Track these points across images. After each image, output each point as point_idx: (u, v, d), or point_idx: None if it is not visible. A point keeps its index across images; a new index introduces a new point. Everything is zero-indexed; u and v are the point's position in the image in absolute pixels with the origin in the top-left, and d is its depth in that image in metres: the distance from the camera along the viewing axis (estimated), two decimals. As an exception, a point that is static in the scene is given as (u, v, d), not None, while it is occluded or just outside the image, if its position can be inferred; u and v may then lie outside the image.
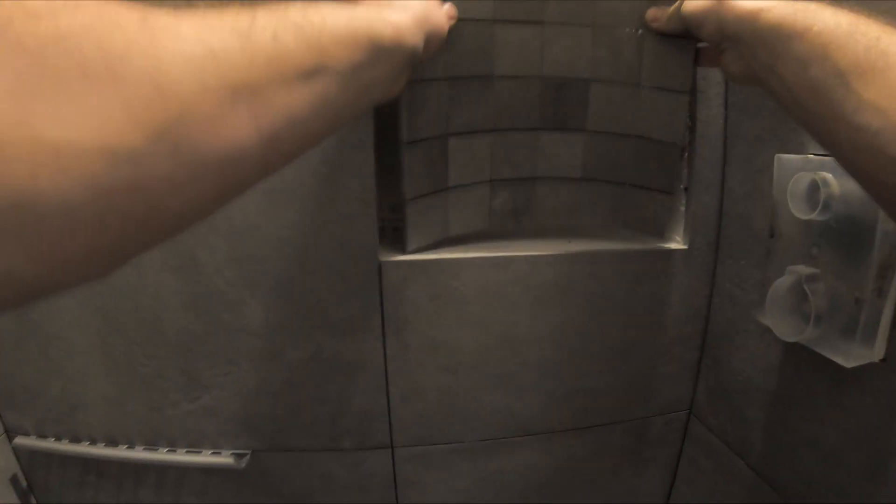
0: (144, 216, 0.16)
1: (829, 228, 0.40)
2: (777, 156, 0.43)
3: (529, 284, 0.51)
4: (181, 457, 0.53)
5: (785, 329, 0.42)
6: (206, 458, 0.53)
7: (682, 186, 0.53)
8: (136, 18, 0.16)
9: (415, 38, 0.29)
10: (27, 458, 0.56)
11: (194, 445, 0.54)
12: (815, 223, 0.40)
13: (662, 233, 0.50)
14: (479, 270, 0.50)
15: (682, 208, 0.54)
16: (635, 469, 0.61)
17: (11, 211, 0.12)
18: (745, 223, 0.50)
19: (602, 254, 0.52)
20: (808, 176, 0.40)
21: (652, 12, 0.43)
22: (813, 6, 0.27)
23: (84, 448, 0.54)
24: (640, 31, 0.44)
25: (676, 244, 0.54)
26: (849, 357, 0.38)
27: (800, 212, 0.40)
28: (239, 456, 0.53)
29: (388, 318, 0.50)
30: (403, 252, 0.49)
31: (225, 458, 0.53)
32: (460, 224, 0.50)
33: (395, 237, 0.52)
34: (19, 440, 0.55)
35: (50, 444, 0.54)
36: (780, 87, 0.29)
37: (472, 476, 0.58)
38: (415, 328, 0.51)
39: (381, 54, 0.26)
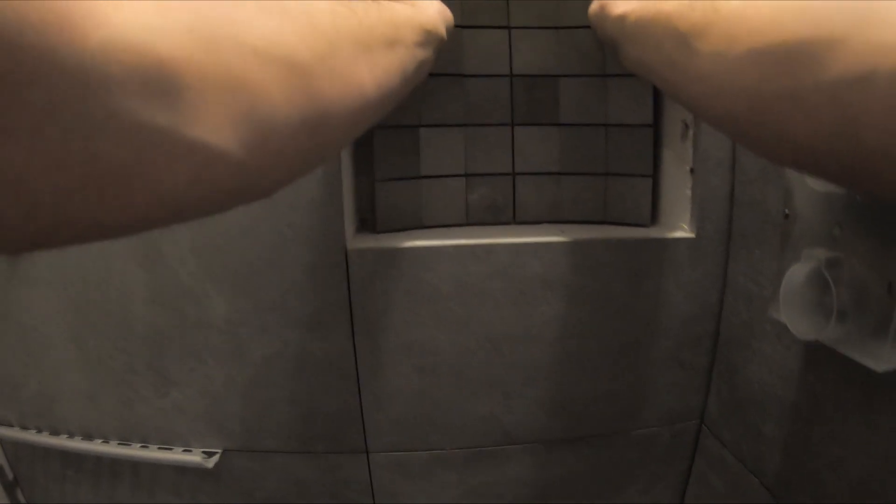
0: (314, 129, 0.18)
1: (852, 203, 0.33)
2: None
3: (513, 277, 0.46)
4: (153, 453, 0.52)
5: (802, 325, 0.35)
6: (177, 455, 0.51)
7: (688, 168, 0.47)
8: None
9: (442, 27, 0.35)
10: (12, 451, 0.57)
11: (166, 442, 0.52)
12: (836, 197, 0.34)
13: (648, 219, 0.48)
14: (456, 261, 0.46)
15: (689, 192, 0.47)
16: (640, 486, 0.54)
17: (226, 94, 0.14)
18: (759, 207, 0.43)
19: (595, 243, 0.46)
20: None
21: None
22: None
23: (62, 441, 0.53)
24: None
25: (683, 232, 0.47)
26: (880, 358, 0.31)
27: (816, 182, 0.34)
28: (208, 455, 0.51)
29: (356, 313, 0.46)
30: (374, 231, 0.47)
31: (194, 457, 0.51)
32: (434, 215, 0.49)
33: (373, 225, 0.50)
34: (3, 431, 0.55)
35: (31, 436, 0.54)
36: (650, 74, 0.32)
37: (458, 488, 0.53)
38: (386, 325, 0.47)
39: (428, 37, 0.32)
